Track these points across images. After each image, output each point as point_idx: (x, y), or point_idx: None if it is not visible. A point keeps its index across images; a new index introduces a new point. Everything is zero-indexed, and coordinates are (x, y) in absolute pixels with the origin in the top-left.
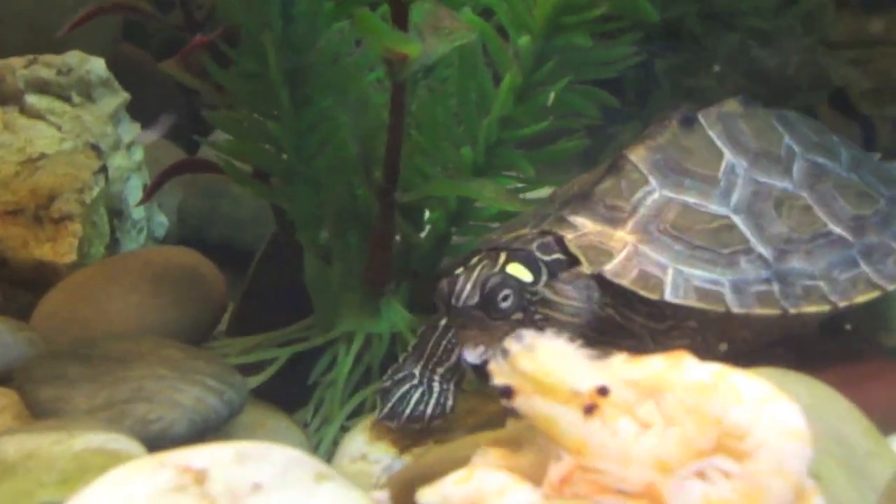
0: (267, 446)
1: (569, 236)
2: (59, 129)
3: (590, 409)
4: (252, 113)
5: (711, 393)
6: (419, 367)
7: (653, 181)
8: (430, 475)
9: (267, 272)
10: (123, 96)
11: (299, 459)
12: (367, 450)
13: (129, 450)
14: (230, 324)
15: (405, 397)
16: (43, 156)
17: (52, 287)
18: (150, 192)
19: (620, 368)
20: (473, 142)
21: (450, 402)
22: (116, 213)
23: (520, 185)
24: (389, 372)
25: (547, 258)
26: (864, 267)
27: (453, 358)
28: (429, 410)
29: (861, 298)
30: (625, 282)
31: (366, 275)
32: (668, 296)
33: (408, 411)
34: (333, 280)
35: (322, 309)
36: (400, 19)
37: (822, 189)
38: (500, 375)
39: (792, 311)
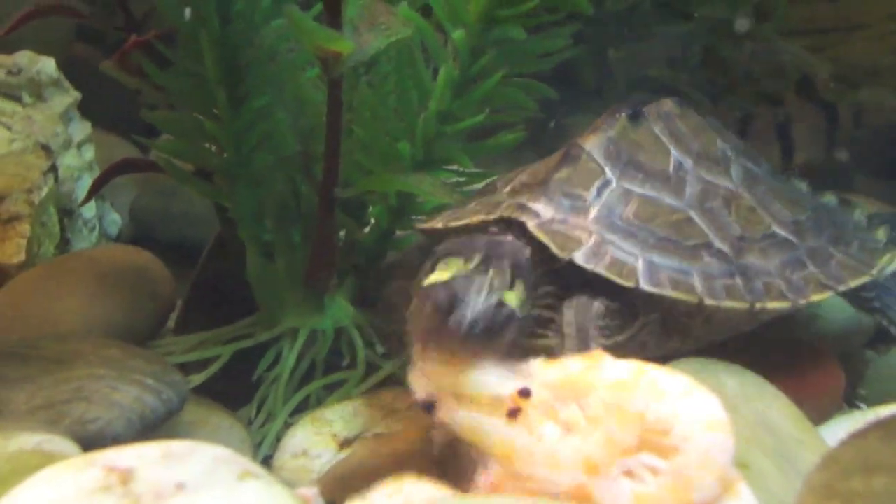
0: (193, 445)
1: (531, 223)
2: (9, 129)
3: (513, 413)
4: (191, 112)
5: (632, 390)
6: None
7: (609, 172)
8: (361, 471)
9: (213, 270)
10: (74, 95)
11: (225, 458)
12: (308, 445)
13: (63, 450)
14: (178, 321)
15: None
16: None
17: (0, 288)
18: (91, 193)
19: (539, 372)
20: (412, 136)
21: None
22: (67, 212)
23: (459, 178)
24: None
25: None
26: (812, 268)
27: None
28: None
29: (815, 297)
30: (599, 268)
31: (309, 271)
32: (643, 284)
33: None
34: (277, 276)
35: (266, 305)
36: (333, 16)
37: (758, 193)
38: (420, 389)
39: (757, 305)
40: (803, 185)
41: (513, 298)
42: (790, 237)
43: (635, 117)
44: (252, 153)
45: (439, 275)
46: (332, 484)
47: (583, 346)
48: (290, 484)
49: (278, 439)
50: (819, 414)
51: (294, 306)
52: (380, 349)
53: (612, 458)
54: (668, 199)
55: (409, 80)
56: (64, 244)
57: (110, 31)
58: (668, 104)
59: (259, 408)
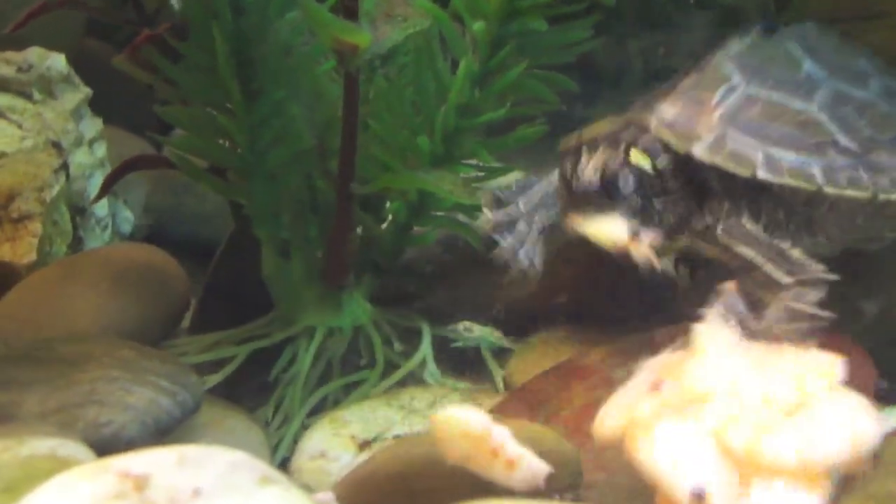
0: (209, 450)
1: (654, 122)
2: (19, 126)
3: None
4: (204, 107)
5: None
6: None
7: (736, 78)
8: (380, 475)
9: (228, 268)
10: (85, 92)
11: (243, 462)
12: (326, 447)
13: (77, 455)
14: (192, 321)
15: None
16: (3, 155)
17: (12, 288)
18: (103, 190)
19: None
20: (430, 131)
21: (537, 260)
22: (79, 210)
23: (479, 173)
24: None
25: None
26: None
27: (553, 213)
28: (524, 262)
29: None
30: (717, 159)
31: (326, 268)
32: (761, 173)
33: (522, 251)
34: (293, 274)
35: (282, 304)
36: (350, 8)
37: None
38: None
39: (881, 196)
40: None
41: (637, 157)
42: None
43: (768, 31)
44: (267, 149)
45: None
46: (349, 489)
47: (786, 263)
48: (309, 487)
49: (296, 441)
50: None
51: (311, 305)
52: (398, 347)
53: None
54: (796, 103)
55: (428, 72)
56: (76, 243)
57: (122, 26)
58: (808, 25)
59: (276, 409)
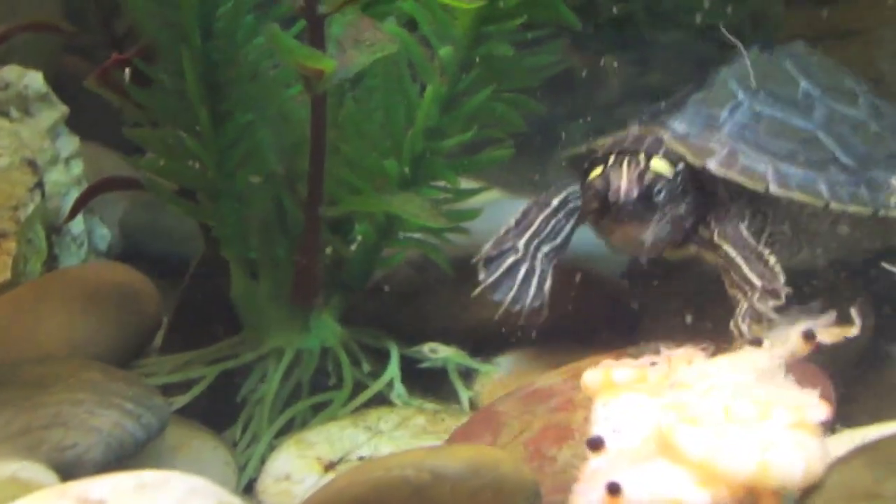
0: (168, 475)
1: (667, 135)
2: None
3: None
4: (174, 130)
5: None
6: (524, 241)
7: (741, 95)
8: (342, 499)
9: (198, 288)
10: (62, 110)
11: (202, 488)
12: (292, 469)
13: (40, 479)
14: (164, 340)
15: (512, 270)
16: None
17: None
18: (73, 212)
19: None
20: (399, 153)
21: (546, 288)
22: (55, 228)
23: (448, 195)
24: (491, 242)
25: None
26: None
27: (559, 239)
28: (531, 294)
29: None
30: (731, 174)
31: (294, 290)
32: (773, 188)
33: (514, 288)
34: (261, 296)
35: (251, 325)
36: (315, 34)
37: (885, 124)
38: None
39: (881, 212)
40: None
41: (660, 165)
42: None
43: (766, 49)
44: (235, 171)
45: (594, 173)
46: None
47: (761, 267)
48: None
49: (263, 462)
50: None
51: (279, 325)
52: (367, 367)
53: None
54: (797, 121)
55: (396, 96)
56: (52, 261)
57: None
58: (798, 45)
59: (244, 429)
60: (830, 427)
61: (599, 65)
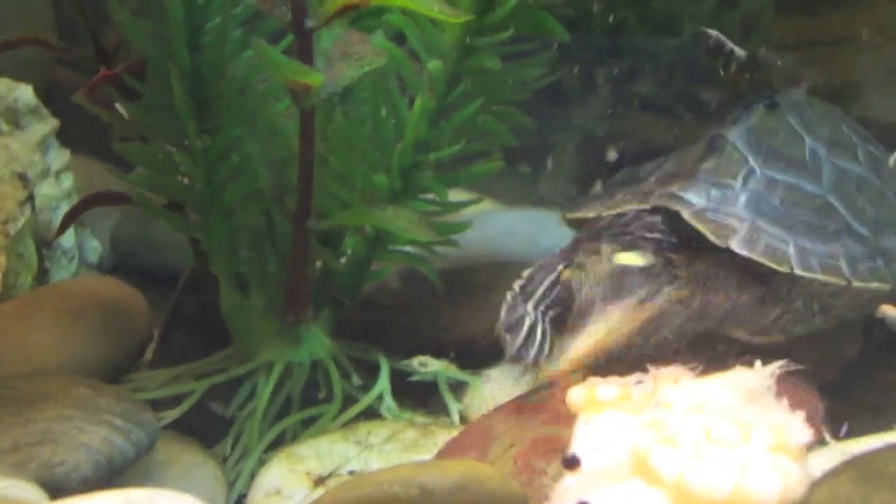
0: (154, 493)
1: (685, 212)
2: None
3: None
4: (162, 144)
5: None
6: (531, 305)
7: (752, 161)
8: None
9: (188, 303)
10: (52, 123)
11: None
12: (281, 484)
13: (27, 496)
14: (155, 354)
15: (531, 335)
16: None
17: None
18: (62, 228)
19: None
20: (388, 167)
21: (548, 339)
22: (45, 242)
23: (437, 208)
24: (504, 311)
25: (650, 236)
26: None
27: (562, 307)
28: (545, 349)
29: None
30: (755, 254)
31: (284, 303)
32: (798, 270)
33: (534, 349)
34: (251, 309)
35: (240, 339)
36: (304, 48)
37: (883, 176)
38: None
39: None
40: None
41: (629, 258)
42: None
43: (772, 107)
44: (224, 185)
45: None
46: None
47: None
48: None
49: (253, 476)
50: None
51: (269, 339)
52: (357, 381)
53: None
54: (808, 186)
55: (385, 109)
56: (42, 275)
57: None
58: (796, 93)
59: (234, 444)
60: (819, 442)
61: (591, 74)
